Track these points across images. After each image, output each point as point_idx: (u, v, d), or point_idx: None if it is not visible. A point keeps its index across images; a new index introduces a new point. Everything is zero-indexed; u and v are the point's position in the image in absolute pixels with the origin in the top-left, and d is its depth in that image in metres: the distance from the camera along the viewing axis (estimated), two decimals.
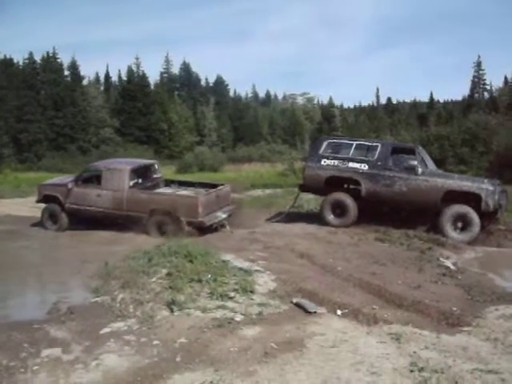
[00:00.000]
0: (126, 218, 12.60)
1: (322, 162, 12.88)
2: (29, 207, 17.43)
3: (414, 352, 5.29)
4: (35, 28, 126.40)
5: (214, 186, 13.77)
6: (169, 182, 14.63)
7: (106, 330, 6.16)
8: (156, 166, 14.48)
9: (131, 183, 12.94)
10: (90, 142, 57.37)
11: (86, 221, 13.33)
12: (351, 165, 12.63)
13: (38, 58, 62.42)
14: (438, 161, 20.16)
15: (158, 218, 12.16)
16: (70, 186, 13.26)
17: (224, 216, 12.82)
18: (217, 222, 12.50)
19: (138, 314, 6.57)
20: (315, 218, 13.26)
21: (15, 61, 62.20)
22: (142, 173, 13.62)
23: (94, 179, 13.30)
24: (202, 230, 11.97)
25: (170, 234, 11.41)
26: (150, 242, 10.39)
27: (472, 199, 11.63)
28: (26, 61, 61.89)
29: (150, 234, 11.97)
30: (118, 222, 12.71)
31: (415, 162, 12.11)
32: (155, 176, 14.19)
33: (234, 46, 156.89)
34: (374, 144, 13.09)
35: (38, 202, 14.30)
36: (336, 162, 12.77)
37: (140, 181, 13.37)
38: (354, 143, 13.13)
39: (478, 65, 75.39)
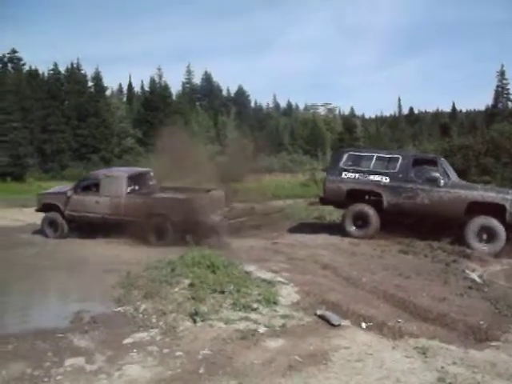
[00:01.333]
0: (124, 224, 12.90)
1: (343, 175, 12.83)
2: None
3: (442, 367, 5.18)
4: (60, 39, 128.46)
5: (208, 191, 14.19)
6: (164, 189, 14.98)
7: (129, 340, 6.15)
8: (151, 174, 14.95)
9: (129, 189, 13.43)
10: (112, 152, 57.82)
11: (85, 228, 13.87)
12: (372, 177, 12.55)
13: (62, 68, 63.43)
14: (461, 171, 19.90)
15: (154, 222, 12.57)
16: (69, 193, 13.81)
17: (218, 219, 13.12)
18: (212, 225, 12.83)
19: (161, 325, 6.55)
20: (337, 229, 13.18)
21: (40, 72, 63.34)
22: (138, 180, 14.12)
23: (93, 187, 13.80)
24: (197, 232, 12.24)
25: (168, 239, 12.23)
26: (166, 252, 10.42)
27: (496, 210, 11.45)
28: (51, 72, 62.77)
29: (148, 239, 12.48)
30: (116, 228, 13.00)
31: (437, 174, 12.00)
32: (151, 183, 14.65)
33: (254, 57, 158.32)
34: (395, 156, 12.98)
35: (37, 210, 14.65)
36: (357, 175, 12.71)
37: (137, 187, 13.84)
38: (375, 155, 13.05)
39: (502, 74, 74.42)
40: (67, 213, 13.76)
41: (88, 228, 13.86)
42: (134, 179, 13.87)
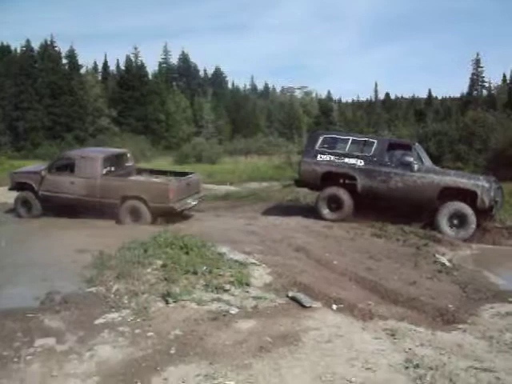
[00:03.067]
0: (99, 205, 12.92)
1: (318, 158, 12.88)
2: None
3: (409, 348, 5.29)
4: (33, 15, 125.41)
5: (185, 174, 14.25)
6: (140, 171, 15.00)
7: (101, 320, 6.11)
8: (128, 155, 14.82)
9: (104, 171, 13.24)
10: (86, 131, 57.12)
11: (58, 208, 13.61)
12: (347, 160, 12.63)
13: (35, 45, 62.16)
14: (435, 157, 20.09)
15: (129, 204, 12.50)
16: (43, 173, 13.52)
17: (194, 203, 13.36)
18: (187, 208, 13.18)
19: (133, 306, 6.51)
20: (312, 211, 13.24)
21: (12, 48, 62.01)
22: (114, 161, 13.95)
23: (68, 167, 13.54)
24: (172, 215, 12.46)
25: (141, 221, 12.29)
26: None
27: (468, 196, 11.64)
28: (24, 48, 61.48)
29: (123, 221, 12.46)
30: (90, 209, 13.04)
31: (411, 159, 12.14)
32: (127, 164, 14.52)
33: (233, 38, 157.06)
34: (371, 140, 13.10)
35: (10, 189, 14.43)
36: (332, 158, 12.76)
37: (113, 169, 13.70)
38: (350, 139, 13.14)
39: (477, 62, 75.32)
40: (41, 193, 13.50)
41: (63, 208, 13.63)
42: (109, 160, 13.68)
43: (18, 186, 14.02)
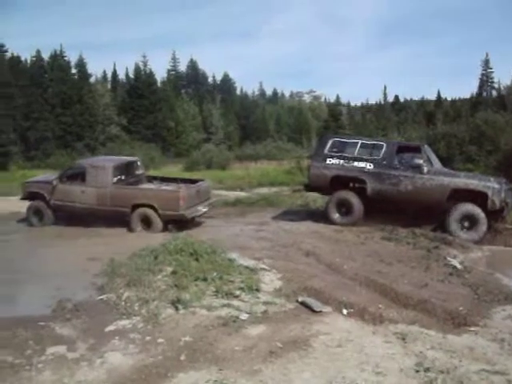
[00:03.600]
0: (110, 214, 13.00)
1: (328, 161, 12.85)
2: None
3: (420, 352, 5.26)
4: (43, 26, 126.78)
5: (195, 181, 14.32)
6: (151, 179, 15.06)
7: (111, 327, 6.16)
8: (138, 163, 14.88)
9: (115, 179, 13.30)
10: (97, 139, 57.38)
11: (70, 217, 13.77)
12: (357, 164, 12.59)
13: (45, 56, 62.64)
14: (445, 159, 20.01)
15: (140, 212, 12.55)
16: (54, 182, 13.58)
17: (204, 210, 13.38)
18: (198, 215, 13.20)
19: (143, 313, 6.55)
20: (321, 216, 13.21)
21: (22, 59, 62.52)
22: (124, 169, 13.99)
23: (79, 176, 13.62)
24: (183, 222, 12.51)
25: (153, 229, 12.38)
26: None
27: (478, 198, 11.57)
28: (34, 59, 62.01)
29: (134, 229, 12.54)
30: (102, 218, 13.09)
31: (421, 161, 12.07)
32: (138, 172, 14.57)
33: (240, 45, 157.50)
34: (380, 143, 13.05)
35: (22, 199, 14.49)
36: (341, 161, 12.73)
37: (123, 177, 13.73)
38: (360, 142, 13.09)
39: (486, 63, 74.91)
40: (53, 202, 13.60)
41: (74, 217, 13.72)
42: (120, 169, 13.73)
43: (30, 196, 14.09)
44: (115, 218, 12.94)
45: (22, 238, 12.94)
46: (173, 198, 12.50)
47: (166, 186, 14.04)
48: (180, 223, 12.40)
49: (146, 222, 12.55)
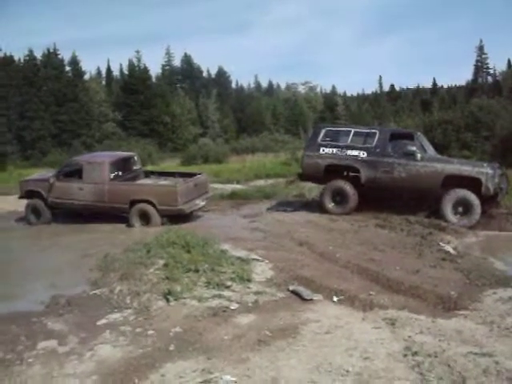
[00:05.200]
0: (108, 210, 13.04)
1: (321, 151, 12.84)
2: None
3: (409, 336, 5.26)
4: (35, 25, 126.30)
5: (193, 175, 14.20)
6: (148, 173, 15.02)
7: (103, 321, 6.20)
8: (135, 158, 14.77)
9: (112, 176, 13.24)
10: (93, 137, 57.34)
11: (68, 214, 13.82)
12: (350, 152, 12.57)
13: (38, 54, 62.42)
14: (441, 146, 20.06)
15: (139, 208, 12.51)
16: (51, 180, 13.50)
17: (202, 203, 13.35)
18: (196, 210, 13.14)
19: (135, 305, 6.60)
20: (316, 206, 13.23)
21: (16, 58, 62.30)
22: (121, 165, 13.89)
23: (76, 173, 13.55)
24: (181, 217, 12.45)
25: (151, 224, 12.26)
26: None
27: (472, 183, 11.55)
28: (27, 58, 61.75)
29: (133, 224, 12.49)
30: (99, 214, 13.17)
31: (414, 148, 12.04)
32: (135, 168, 14.49)
33: (235, 37, 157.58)
34: (373, 131, 13.02)
35: (20, 197, 14.44)
36: (335, 150, 12.72)
37: (120, 173, 13.64)
38: (353, 130, 13.08)
39: (481, 49, 74.88)
40: (50, 200, 13.54)
41: (72, 214, 13.78)
42: (116, 165, 13.61)
43: (28, 194, 14.02)
44: (113, 214, 12.97)
45: (23, 236, 12.98)
46: (170, 193, 12.43)
47: (164, 180, 14.00)
48: (178, 217, 12.33)
49: (145, 218, 12.49)
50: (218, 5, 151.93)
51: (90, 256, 9.32)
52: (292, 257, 8.55)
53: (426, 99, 75.82)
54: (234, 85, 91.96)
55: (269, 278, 7.41)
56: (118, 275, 7.81)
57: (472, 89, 68.20)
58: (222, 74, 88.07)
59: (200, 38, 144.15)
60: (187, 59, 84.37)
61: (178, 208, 12.31)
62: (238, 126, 72.31)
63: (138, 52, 68.97)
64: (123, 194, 12.75)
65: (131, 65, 68.17)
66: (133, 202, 12.58)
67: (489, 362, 4.61)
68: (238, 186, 21.96)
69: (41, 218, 13.75)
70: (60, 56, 63.15)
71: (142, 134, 57.98)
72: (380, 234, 10.64)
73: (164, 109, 63.17)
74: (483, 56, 75.20)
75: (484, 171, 11.61)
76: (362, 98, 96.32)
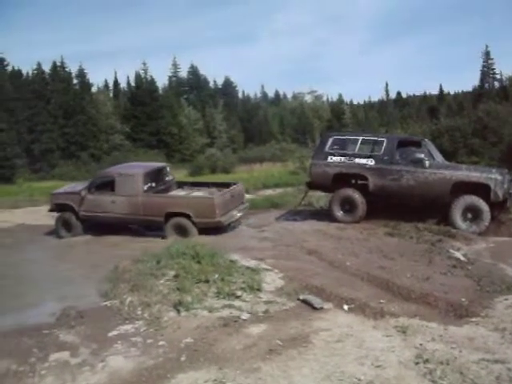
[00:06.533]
0: (143, 223, 12.78)
1: (329, 159, 12.86)
2: (41, 216, 17.62)
3: (420, 344, 5.26)
4: (42, 38, 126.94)
5: (227, 185, 13.74)
6: (181, 184, 14.58)
7: (114, 332, 6.22)
8: (167, 169, 14.45)
9: (145, 187, 12.85)
10: (101, 149, 57.60)
11: (100, 227, 13.31)
12: (358, 160, 12.58)
13: (46, 68, 62.96)
14: (449, 153, 19.98)
15: (174, 221, 12.12)
16: (83, 193, 13.17)
17: (239, 214, 12.89)
18: (233, 221, 12.65)
19: (146, 316, 6.61)
20: (325, 215, 13.22)
21: (24, 72, 62.91)
22: (154, 176, 13.51)
23: (107, 185, 13.17)
24: (219, 229, 12.05)
25: (190, 237, 11.49)
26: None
27: (481, 189, 11.52)
28: (35, 71, 62.34)
29: (168, 238, 11.88)
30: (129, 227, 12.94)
31: (422, 155, 12.03)
32: (167, 179, 14.11)
33: (240, 47, 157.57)
34: (380, 139, 13.02)
35: (50, 211, 14.14)
36: (343, 159, 12.73)
37: (153, 184, 13.27)
38: (360, 138, 13.11)
39: (487, 54, 74.52)
40: (82, 213, 13.19)
41: (104, 227, 13.27)
42: (150, 176, 13.22)
43: (58, 207, 13.71)
44: (148, 226, 12.76)
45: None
46: (208, 205, 11.98)
47: (198, 191, 13.63)
48: (215, 230, 11.99)
49: (181, 231, 12.01)
50: (223, 15, 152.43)
51: (99, 267, 9.34)
52: (302, 266, 8.55)
53: (433, 106, 75.60)
54: (240, 95, 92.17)
55: (279, 288, 7.42)
56: (128, 286, 7.82)
57: (479, 94, 67.83)
58: (228, 84, 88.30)
59: (206, 49, 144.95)
60: (194, 70, 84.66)
61: (216, 220, 11.84)
62: (245, 136, 72.42)
63: (144, 64, 69.56)
64: (158, 207, 12.34)
65: (138, 77, 68.56)
66: (168, 215, 12.17)
67: (501, 369, 4.61)
68: (247, 196, 21.96)
69: (71, 232, 13.37)
70: (67, 69, 63.74)
71: (149, 145, 58.25)
72: (389, 241, 10.61)
73: (171, 120, 63.45)
74: (489, 61, 74.86)
75: (493, 177, 11.58)
76: (368, 106, 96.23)
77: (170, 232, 12.09)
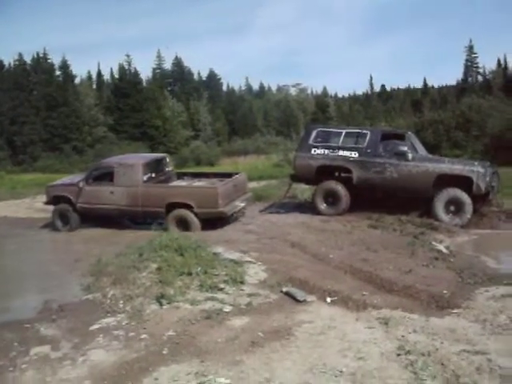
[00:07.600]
0: (143, 214, 12.52)
1: (313, 152, 12.86)
2: (24, 209, 17.47)
3: (402, 336, 5.29)
4: (24, 29, 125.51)
5: (229, 175, 13.51)
6: (181, 175, 14.36)
7: (96, 326, 6.17)
8: (167, 160, 14.18)
9: (145, 178, 12.58)
10: (84, 141, 57.10)
11: (97, 219, 13.12)
12: (341, 153, 12.59)
13: (28, 59, 62.14)
14: (432, 146, 20.12)
15: (176, 212, 11.86)
16: (81, 184, 12.87)
17: (242, 205, 12.71)
18: (236, 212, 12.50)
19: (128, 309, 6.58)
20: (309, 207, 13.22)
21: (5, 63, 62.03)
22: (154, 167, 13.25)
23: (106, 176, 12.90)
24: (222, 220, 11.90)
25: (191, 229, 11.43)
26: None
27: (463, 182, 11.60)
28: (17, 62, 61.48)
29: (170, 230, 11.44)
30: (133, 219, 12.83)
31: (405, 148, 12.08)
32: (167, 169, 13.88)
33: (225, 41, 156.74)
34: (364, 131, 13.05)
35: (46, 203, 13.82)
36: (326, 151, 12.74)
37: (153, 175, 13.02)
38: (344, 131, 13.13)
39: (470, 49, 75.17)
40: (79, 205, 12.88)
41: (102, 219, 13.06)
42: (149, 166, 12.94)
43: (55, 200, 13.39)
44: (148, 218, 12.48)
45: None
46: (210, 195, 11.71)
47: (198, 181, 13.43)
48: (218, 221, 11.80)
49: (183, 222, 11.75)
50: (209, 8, 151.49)
51: (81, 261, 9.27)
52: (285, 258, 8.53)
53: (417, 99, 76.06)
54: (224, 87, 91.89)
55: (262, 280, 7.41)
56: (110, 280, 7.76)
57: (462, 88, 68.42)
58: (212, 76, 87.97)
59: (191, 41, 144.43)
60: (178, 62, 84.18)
61: (219, 210, 11.58)
62: (229, 129, 72.25)
63: (128, 56, 68.63)
64: (158, 197, 12.08)
65: (121, 68, 67.91)
66: (169, 206, 11.89)
67: (482, 360, 4.65)
68: None
69: (69, 224, 13.10)
70: (50, 60, 63.00)
71: (133, 137, 57.75)
72: (372, 234, 10.64)
73: (155, 112, 63.01)
74: (473, 55, 75.55)
75: (475, 170, 11.67)
76: (353, 99, 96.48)
77: (171, 223, 11.81)
